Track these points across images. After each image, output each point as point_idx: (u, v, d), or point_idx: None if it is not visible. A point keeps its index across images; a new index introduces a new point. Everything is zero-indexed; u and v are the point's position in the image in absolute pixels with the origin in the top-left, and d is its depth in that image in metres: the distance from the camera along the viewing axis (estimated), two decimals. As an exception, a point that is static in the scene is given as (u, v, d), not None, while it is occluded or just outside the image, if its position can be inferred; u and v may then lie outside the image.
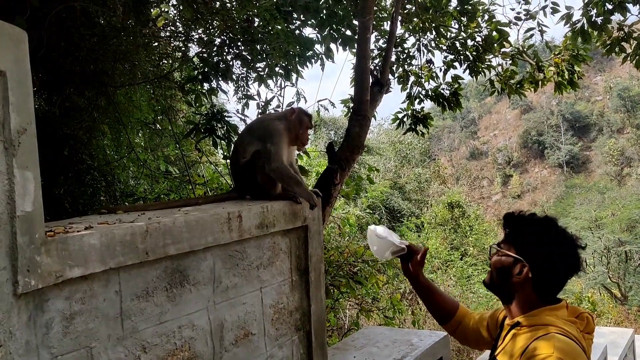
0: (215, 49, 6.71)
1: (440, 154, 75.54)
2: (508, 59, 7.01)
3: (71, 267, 2.05)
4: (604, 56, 6.96)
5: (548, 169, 77.86)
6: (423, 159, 35.68)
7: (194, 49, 6.89)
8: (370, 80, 5.49)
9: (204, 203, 3.20)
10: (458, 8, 6.84)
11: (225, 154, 6.10)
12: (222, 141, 5.68)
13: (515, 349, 2.15)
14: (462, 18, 7.04)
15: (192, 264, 2.64)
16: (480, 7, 6.92)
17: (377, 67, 6.17)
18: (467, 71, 7.50)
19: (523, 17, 6.61)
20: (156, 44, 6.55)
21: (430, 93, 7.86)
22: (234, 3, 5.10)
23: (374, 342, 5.13)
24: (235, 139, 4.89)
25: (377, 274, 7.53)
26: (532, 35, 6.45)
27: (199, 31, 6.27)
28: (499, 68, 7.47)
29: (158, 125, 7.06)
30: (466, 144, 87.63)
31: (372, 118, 6.18)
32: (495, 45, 7.06)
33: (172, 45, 7.02)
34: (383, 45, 7.41)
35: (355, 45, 5.85)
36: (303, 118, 3.45)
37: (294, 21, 6.76)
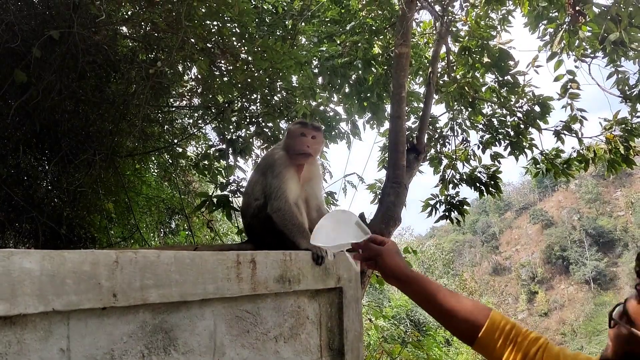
0: (233, 124, 6.26)
1: (462, 269, 73.58)
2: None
3: (-16, 298, 1.31)
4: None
5: (574, 286, 75.35)
6: (447, 270, 34.36)
7: (210, 125, 6.46)
8: (406, 147, 4.93)
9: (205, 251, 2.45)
10: (496, 81, 6.42)
11: (240, 228, 5.42)
12: (238, 211, 5.02)
13: None
14: (500, 90, 6.60)
15: (183, 322, 1.85)
16: (521, 78, 6.49)
17: (414, 133, 5.63)
18: (508, 149, 6.89)
19: (569, 88, 6.10)
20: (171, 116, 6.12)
21: (465, 177, 7.21)
22: (257, 53, 4.69)
23: None
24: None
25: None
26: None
27: (218, 99, 5.84)
28: (544, 145, 6.85)
29: (167, 202, 6.46)
30: (488, 259, 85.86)
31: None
32: (538, 120, 6.52)
33: (188, 123, 6.61)
34: (413, 125, 6.91)
35: (388, 107, 5.37)
36: (293, 128, 2.85)
37: (319, 98, 6.35)
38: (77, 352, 1.54)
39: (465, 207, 7.18)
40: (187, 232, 6.52)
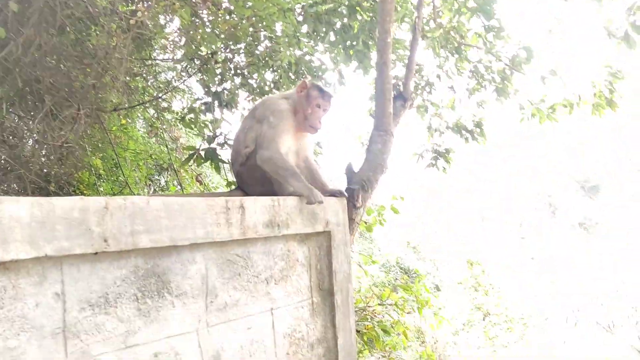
0: (218, 76, 6.18)
1: (451, 218, 74.60)
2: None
3: (-26, 243, 1.33)
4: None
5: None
6: (436, 219, 34.77)
7: (194, 78, 6.37)
8: (393, 94, 4.90)
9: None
10: (483, 25, 6.34)
11: (229, 180, 5.44)
12: (226, 164, 5.02)
13: None
14: (486, 36, 6.54)
15: (174, 265, 1.90)
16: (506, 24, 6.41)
17: (400, 81, 5.61)
18: (495, 93, 6.87)
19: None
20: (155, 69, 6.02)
21: (451, 125, 7.22)
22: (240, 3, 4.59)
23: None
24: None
25: (404, 322, 6.59)
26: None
27: (201, 51, 5.73)
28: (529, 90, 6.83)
29: (155, 158, 6.44)
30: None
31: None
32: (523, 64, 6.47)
33: (172, 76, 6.52)
34: (400, 75, 6.85)
35: (374, 55, 5.32)
36: (312, 93, 2.76)
37: (303, 46, 6.25)
38: (72, 296, 1.58)
39: (450, 154, 7.25)
40: (176, 188, 6.52)
